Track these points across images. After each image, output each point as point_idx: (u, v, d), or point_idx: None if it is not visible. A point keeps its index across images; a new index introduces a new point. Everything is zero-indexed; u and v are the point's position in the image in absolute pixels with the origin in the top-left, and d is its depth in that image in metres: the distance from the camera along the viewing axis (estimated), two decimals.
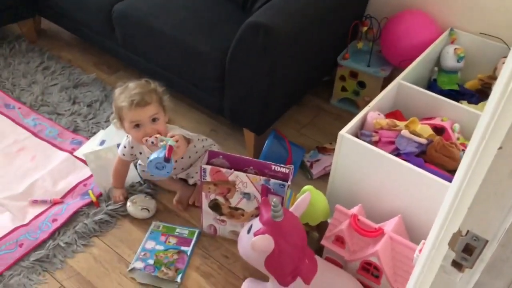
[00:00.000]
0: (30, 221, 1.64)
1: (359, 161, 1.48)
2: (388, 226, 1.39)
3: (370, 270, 1.38)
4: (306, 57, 1.86)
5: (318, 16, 1.79)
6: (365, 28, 2.10)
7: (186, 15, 1.94)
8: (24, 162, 1.85)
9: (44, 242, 1.58)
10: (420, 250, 1.17)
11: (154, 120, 1.54)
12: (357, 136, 1.53)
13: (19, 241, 1.57)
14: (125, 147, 1.66)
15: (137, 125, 1.53)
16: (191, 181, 1.78)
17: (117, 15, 2.02)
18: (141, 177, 1.80)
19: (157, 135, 1.49)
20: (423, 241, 1.22)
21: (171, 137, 1.47)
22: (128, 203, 1.68)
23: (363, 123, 1.60)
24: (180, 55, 1.87)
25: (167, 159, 1.40)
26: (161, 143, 1.45)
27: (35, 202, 1.70)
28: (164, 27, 1.89)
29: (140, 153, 1.66)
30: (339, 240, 1.43)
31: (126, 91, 1.55)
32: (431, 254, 0.67)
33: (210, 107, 1.96)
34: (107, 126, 2.02)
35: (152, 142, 1.49)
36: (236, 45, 1.66)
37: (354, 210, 1.44)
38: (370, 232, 1.36)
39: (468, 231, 0.59)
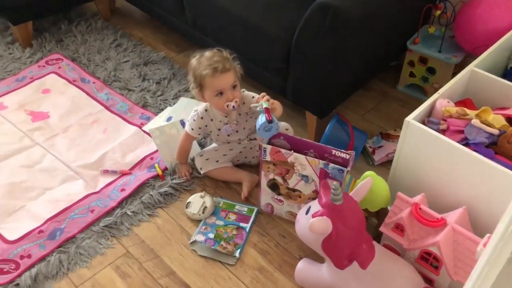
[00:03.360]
0: (101, 189, 1.75)
1: (424, 149, 1.44)
2: (451, 217, 1.35)
3: (429, 260, 1.35)
4: (374, 40, 1.81)
5: None
6: (438, 12, 2.01)
7: None
8: (97, 134, 1.96)
9: (113, 209, 1.68)
10: (485, 244, 1.14)
11: (234, 87, 1.59)
12: (424, 124, 1.48)
13: (91, 207, 1.68)
14: (194, 120, 1.70)
15: (221, 93, 1.58)
16: (254, 161, 1.83)
17: None
18: (200, 168, 1.78)
19: (237, 99, 1.58)
20: (488, 234, 1.18)
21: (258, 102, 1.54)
22: (186, 210, 1.68)
23: (431, 111, 1.55)
24: (247, 35, 1.89)
25: (269, 121, 1.47)
26: (257, 109, 1.53)
27: (105, 172, 1.80)
28: (233, 7, 1.91)
29: (211, 119, 1.69)
30: (399, 228, 1.41)
31: (204, 60, 1.59)
32: (498, 246, 0.66)
33: (273, 88, 1.97)
34: (174, 103, 2.10)
35: (233, 107, 1.58)
36: (304, 26, 1.65)
37: (416, 198, 1.41)
38: (432, 222, 1.33)
39: None
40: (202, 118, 1.69)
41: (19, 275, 1.47)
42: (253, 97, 1.66)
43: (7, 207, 1.66)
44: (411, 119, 1.44)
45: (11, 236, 1.57)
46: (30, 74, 2.25)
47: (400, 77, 2.18)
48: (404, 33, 2.06)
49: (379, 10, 1.72)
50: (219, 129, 1.71)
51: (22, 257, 1.51)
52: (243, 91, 1.68)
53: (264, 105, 1.51)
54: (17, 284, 1.45)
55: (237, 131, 1.72)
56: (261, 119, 1.49)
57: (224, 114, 1.68)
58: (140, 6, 2.50)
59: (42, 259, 1.52)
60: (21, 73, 2.25)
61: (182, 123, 1.90)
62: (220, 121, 1.69)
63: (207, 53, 1.62)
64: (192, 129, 1.71)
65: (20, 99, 2.11)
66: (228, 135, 1.73)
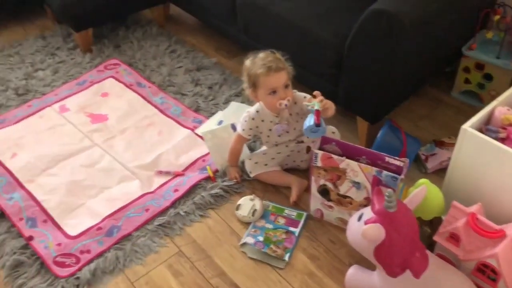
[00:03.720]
0: (156, 189, 1.81)
1: (482, 158, 1.41)
2: (511, 228, 1.30)
3: (486, 272, 1.31)
4: (429, 46, 1.79)
5: (445, 4, 1.71)
6: (497, 17, 1.95)
7: (306, 1, 1.97)
8: (152, 136, 2.04)
9: (166, 209, 1.73)
10: None
11: (286, 86, 1.63)
12: (481, 132, 1.44)
13: (146, 206, 1.74)
14: (245, 121, 1.74)
15: (274, 92, 1.62)
16: (303, 165, 1.84)
17: (241, 2, 2.11)
18: (249, 172, 1.81)
19: (289, 98, 1.62)
20: None
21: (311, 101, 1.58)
22: (236, 212, 1.71)
23: (489, 118, 1.51)
24: (299, 41, 1.91)
25: (317, 125, 1.50)
26: (309, 108, 1.56)
27: (160, 173, 1.87)
28: (284, 13, 1.94)
29: (262, 120, 1.72)
30: (454, 238, 1.38)
31: (258, 61, 1.64)
32: None
33: (323, 93, 1.96)
34: (225, 108, 2.14)
35: (286, 105, 1.61)
36: (357, 32, 1.65)
37: (473, 208, 1.37)
38: (490, 233, 1.29)
39: None
40: (253, 119, 1.72)
41: (79, 269, 1.55)
42: (304, 97, 1.68)
43: (69, 204, 1.75)
44: (468, 126, 1.41)
45: (72, 232, 1.66)
46: (90, 78, 2.36)
47: (455, 84, 2.13)
48: (460, 38, 2.01)
49: (435, 15, 1.69)
50: (270, 130, 1.73)
51: (82, 252, 1.59)
52: (295, 92, 1.71)
53: (316, 107, 1.53)
54: (78, 278, 1.53)
55: (287, 132, 1.74)
56: (309, 120, 1.52)
57: (275, 114, 1.70)
58: (193, 13, 2.57)
59: (100, 254, 1.59)
60: (82, 77, 2.37)
61: (233, 127, 1.94)
62: (271, 121, 1.72)
63: (261, 54, 1.66)
64: (243, 129, 1.75)
65: (80, 102, 2.22)
66: (279, 136, 1.75)
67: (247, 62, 1.68)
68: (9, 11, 2.84)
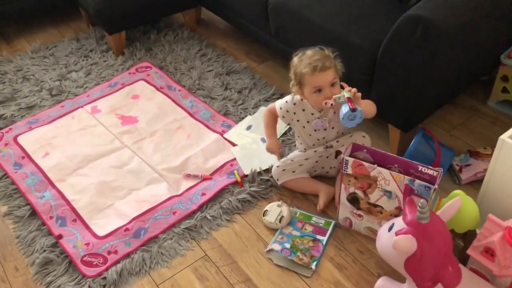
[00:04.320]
0: (183, 192, 1.81)
1: None
2: None
3: None
4: (465, 54, 1.73)
5: (484, 10, 1.66)
6: None
7: (340, 6, 1.95)
8: (181, 139, 2.04)
9: (193, 212, 1.73)
10: None
11: (332, 85, 1.61)
12: None
13: (173, 209, 1.74)
14: (286, 101, 1.71)
15: (319, 90, 1.60)
16: (332, 172, 1.81)
17: (273, 6, 2.10)
18: (276, 179, 1.79)
19: (334, 96, 1.58)
20: None
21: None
22: (263, 218, 1.69)
23: None
24: (331, 46, 1.87)
25: (353, 110, 1.51)
26: (340, 100, 1.56)
27: (188, 176, 1.87)
28: (317, 18, 1.92)
29: (303, 109, 1.70)
30: (489, 252, 1.32)
31: (305, 58, 1.61)
32: None
33: None
34: (254, 112, 2.14)
35: (332, 104, 1.59)
36: (391, 38, 1.62)
37: (510, 222, 1.32)
38: None
39: None
40: (294, 104, 1.70)
41: (106, 269, 1.56)
42: None
43: (98, 204, 1.77)
44: (507, 137, 1.36)
45: (100, 232, 1.67)
46: (122, 80, 2.40)
47: (492, 93, 2.07)
48: (498, 46, 1.95)
49: (472, 22, 1.64)
50: (308, 122, 1.71)
51: (109, 253, 1.61)
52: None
53: (346, 95, 1.53)
54: (104, 278, 1.54)
55: (325, 129, 1.72)
56: (344, 108, 1.52)
57: (319, 109, 1.69)
58: (224, 17, 2.58)
59: (127, 255, 1.60)
60: (114, 79, 2.41)
61: (263, 141, 1.94)
62: (312, 114, 1.69)
63: (309, 52, 1.64)
64: (281, 108, 1.73)
65: (111, 103, 2.25)
66: (315, 130, 1.72)
67: (295, 60, 1.65)
68: (45, 13, 2.92)
